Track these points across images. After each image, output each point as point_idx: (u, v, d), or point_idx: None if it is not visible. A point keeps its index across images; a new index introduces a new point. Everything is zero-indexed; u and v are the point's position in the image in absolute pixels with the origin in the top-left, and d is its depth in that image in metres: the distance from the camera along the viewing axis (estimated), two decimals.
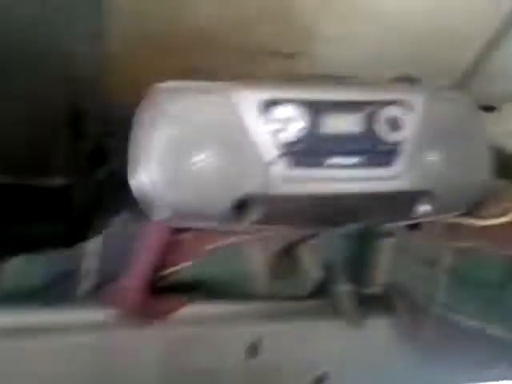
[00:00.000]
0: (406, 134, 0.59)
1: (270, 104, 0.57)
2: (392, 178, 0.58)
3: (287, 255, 0.56)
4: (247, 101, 0.58)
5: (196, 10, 0.87)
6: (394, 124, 0.59)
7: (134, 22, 0.84)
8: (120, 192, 0.67)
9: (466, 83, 1.07)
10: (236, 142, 0.57)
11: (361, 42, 0.96)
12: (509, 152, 0.82)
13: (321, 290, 0.56)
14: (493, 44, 0.98)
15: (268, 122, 0.57)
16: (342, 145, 0.58)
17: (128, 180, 0.57)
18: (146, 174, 0.56)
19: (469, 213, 0.64)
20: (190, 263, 0.56)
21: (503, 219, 0.61)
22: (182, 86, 0.60)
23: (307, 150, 0.57)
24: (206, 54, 0.94)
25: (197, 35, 0.91)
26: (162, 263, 0.55)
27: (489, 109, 0.94)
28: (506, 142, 0.83)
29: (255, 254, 0.55)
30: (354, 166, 0.58)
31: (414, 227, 0.62)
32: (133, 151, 0.57)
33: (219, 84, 0.59)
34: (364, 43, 0.96)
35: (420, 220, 0.62)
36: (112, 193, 0.68)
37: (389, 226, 0.60)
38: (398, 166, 0.59)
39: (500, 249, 0.58)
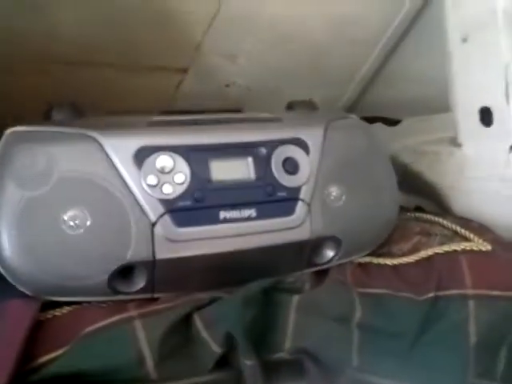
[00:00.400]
0: (304, 176, 0.53)
1: (147, 152, 0.49)
2: (293, 227, 0.52)
3: (182, 329, 0.48)
4: (121, 149, 0.49)
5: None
6: (290, 166, 0.53)
7: None
8: None
9: (365, 91, 1.05)
10: (111, 199, 0.48)
11: (255, 55, 0.90)
12: (413, 168, 0.79)
13: (223, 363, 0.49)
14: (389, 50, 0.97)
15: (147, 174, 0.49)
16: (233, 196, 0.51)
17: None
18: (2, 240, 0.46)
19: (380, 248, 0.60)
20: (64, 350, 0.46)
21: (413, 257, 0.57)
22: (41, 131, 0.50)
23: (194, 206, 0.50)
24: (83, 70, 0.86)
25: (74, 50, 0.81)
26: (30, 350, 0.45)
27: (394, 122, 0.92)
28: (408, 157, 0.81)
29: (143, 333, 0.47)
30: (249, 218, 0.51)
31: (322, 272, 0.57)
32: None
33: (88, 129, 0.50)
34: (258, 56, 0.91)
35: (328, 266, 0.57)
36: None
37: (294, 276, 0.55)
38: (298, 214, 0.52)
39: (414, 292, 0.54)
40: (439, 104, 0.82)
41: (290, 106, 0.65)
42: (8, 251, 0.46)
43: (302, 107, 0.64)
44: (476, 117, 0.65)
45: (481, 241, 0.58)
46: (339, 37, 0.90)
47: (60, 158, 0.48)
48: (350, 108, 1.09)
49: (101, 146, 0.49)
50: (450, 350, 0.51)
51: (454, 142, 0.71)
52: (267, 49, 0.90)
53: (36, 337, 0.46)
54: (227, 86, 0.97)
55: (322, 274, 0.57)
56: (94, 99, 0.85)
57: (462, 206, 0.70)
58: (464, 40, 0.64)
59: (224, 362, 0.49)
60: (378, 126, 0.90)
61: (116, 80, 0.90)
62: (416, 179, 0.79)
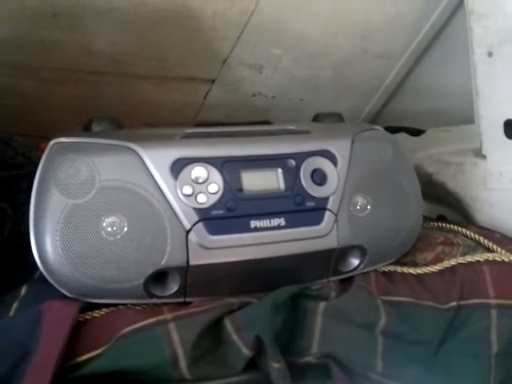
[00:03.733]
0: (332, 187, 0.55)
1: (183, 163, 0.52)
2: (320, 236, 0.54)
3: (214, 332, 0.51)
4: (159, 160, 0.52)
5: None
6: (318, 177, 0.55)
7: None
8: (21, 259, 0.60)
9: (388, 102, 1.07)
10: (148, 207, 0.51)
11: (281, 67, 0.93)
12: (436, 178, 0.81)
13: (252, 365, 0.51)
14: (413, 63, 0.98)
15: (182, 184, 0.51)
16: (263, 205, 0.53)
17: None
18: (46, 244, 0.49)
19: (404, 257, 0.62)
20: (103, 349, 0.49)
21: (437, 267, 0.59)
22: (84, 142, 0.53)
23: (227, 215, 0.52)
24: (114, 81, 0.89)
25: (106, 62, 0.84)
26: (70, 349, 0.48)
27: (418, 132, 0.93)
28: (432, 167, 0.82)
29: (177, 335, 0.49)
30: (279, 227, 0.53)
31: (347, 280, 0.59)
32: (32, 216, 0.50)
33: (127, 141, 0.52)
34: (284, 67, 0.93)
35: (353, 274, 0.58)
36: (10, 260, 0.60)
37: (321, 283, 0.56)
38: (325, 224, 0.54)
39: (437, 301, 0.55)
40: (461, 116, 0.84)
41: (317, 118, 0.67)
42: (51, 255, 0.49)
43: (328, 119, 0.66)
44: (500, 129, 0.66)
45: (503, 251, 0.59)
46: (364, 51, 0.92)
47: (101, 168, 0.51)
48: (373, 119, 1.11)
49: (140, 157, 0.51)
50: (473, 358, 0.52)
51: (478, 154, 0.72)
52: (293, 61, 0.92)
53: (76, 337, 0.49)
54: (254, 95, 1.00)
55: (347, 282, 0.58)
56: (125, 108, 0.89)
57: (484, 217, 0.71)
58: (489, 54, 0.65)
59: (253, 364, 0.51)
60: (402, 135, 0.92)
61: (146, 90, 0.93)
62: (439, 189, 0.80)
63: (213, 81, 0.94)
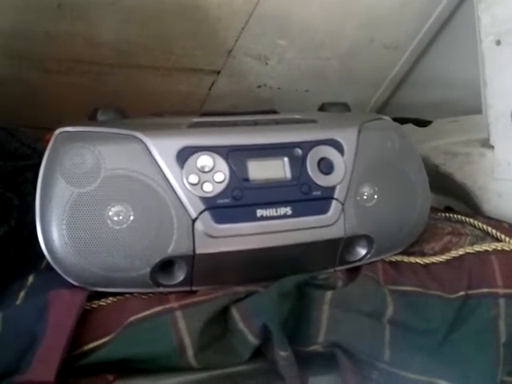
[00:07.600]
0: (339, 176, 0.55)
1: (189, 152, 0.52)
2: (327, 225, 0.54)
3: (221, 320, 0.51)
4: (165, 149, 0.51)
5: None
6: (325, 166, 0.55)
7: None
8: (27, 248, 0.60)
9: (395, 93, 1.06)
10: (154, 196, 0.51)
11: (286, 58, 0.92)
12: (443, 169, 0.80)
13: (259, 354, 0.51)
14: (419, 53, 0.97)
15: (188, 173, 0.51)
16: (269, 194, 0.53)
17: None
18: (52, 233, 0.49)
19: (411, 247, 0.61)
20: (110, 337, 0.49)
21: (444, 257, 0.58)
22: (89, 131, 0.53)
23: (233, 203, 0.52)
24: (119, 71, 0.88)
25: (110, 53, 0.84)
26: (77, 338, 0.48)
27: (425, 123, 0.92)
28: (439, 158, 0.81)
29: (184, 323, 0.49)
30: (285, 216, 0.53)
31: (353, 269, 0.58)
32: (38, 205, 0.50)
33: (133, 130, 0.52)
34: (290, 58, 0.92)
35: (359, 263, 0.58)
36: (17, 250, 0.60)
37: (327, 272, 0.56)
38: (332, 213, 0.54)
39: (445, 291, 0.55)
40: (469, 106, 0.83)
41: (323, 108, 0.66)
42: (57, 243, 0.49)
43: (334, 109, 0.65)
44: (508, 119, 0.66)
45: None
46: (371, 41, 0.92)
47: (107, 156, 0.50)
48: (380, 110, 1.10)
49: (145, 146, 0.51)
50: (481, 348, 0.52)
51: (486, 144, 0.71)
52: (299, 52, 0.91)
53: (82, 325, 0.49)
54: (259, 86, 0.99)
55: (353, 272, 0.58)
56: (130, 99, 0.89)
57: (492, 207, 0.71)
58: (497, 43, 0.65)
59: (260, 353, 0.51)
60: (409, 126, 0.91)
61: (151, 81, 0.93)
62: (447, 180, 0.79)
63: (218, 72, 0.94)
